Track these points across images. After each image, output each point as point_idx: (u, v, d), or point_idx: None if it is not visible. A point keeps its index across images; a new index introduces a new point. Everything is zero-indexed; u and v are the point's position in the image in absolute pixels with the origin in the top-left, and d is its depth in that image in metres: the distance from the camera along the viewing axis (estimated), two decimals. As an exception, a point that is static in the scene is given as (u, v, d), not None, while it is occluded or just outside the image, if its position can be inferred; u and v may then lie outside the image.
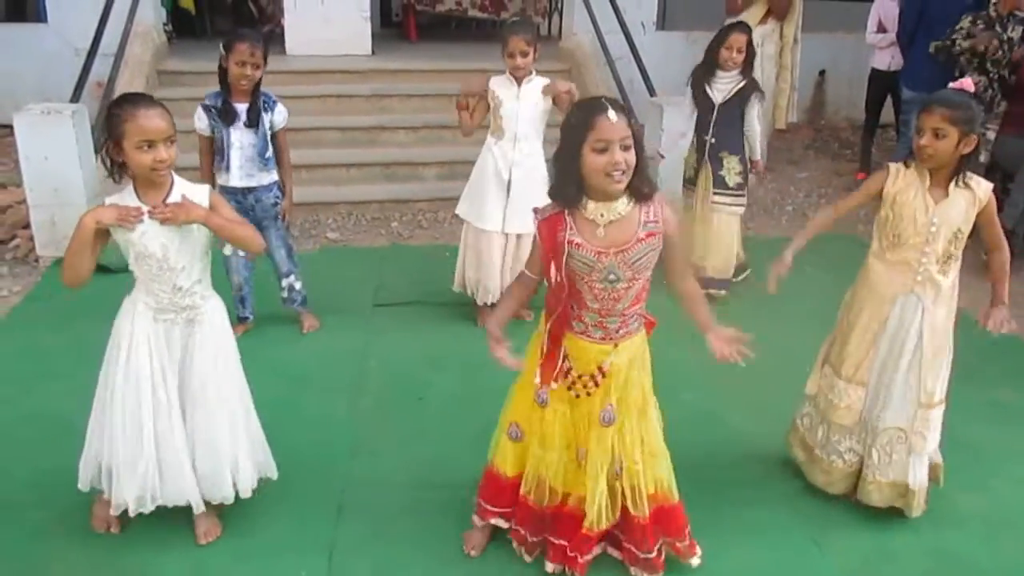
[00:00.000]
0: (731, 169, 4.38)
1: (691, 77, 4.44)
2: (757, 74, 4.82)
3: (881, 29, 6.60)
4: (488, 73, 4.04)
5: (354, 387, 3.61)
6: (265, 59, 3.61)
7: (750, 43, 4.29)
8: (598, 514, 2.40)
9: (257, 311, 4.06)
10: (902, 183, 2.62)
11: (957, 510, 2.88)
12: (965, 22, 5.47)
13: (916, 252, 2.60)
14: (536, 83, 3.93)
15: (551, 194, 2.23)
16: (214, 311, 2.53)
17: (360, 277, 4.78)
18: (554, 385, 2.34)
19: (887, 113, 6.93)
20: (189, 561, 2.55)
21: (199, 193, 2.45)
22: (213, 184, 3.53)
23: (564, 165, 2.16)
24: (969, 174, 2.57)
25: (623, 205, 2.18)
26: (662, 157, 5.17)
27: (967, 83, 2.59)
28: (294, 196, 4.00)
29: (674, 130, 5.18)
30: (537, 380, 2.38)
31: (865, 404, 2.77)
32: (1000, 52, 5.34)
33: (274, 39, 7.24)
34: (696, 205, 4.50)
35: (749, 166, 4.48)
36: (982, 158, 3.40)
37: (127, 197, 2.37)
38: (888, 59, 6.60)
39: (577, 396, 2.36)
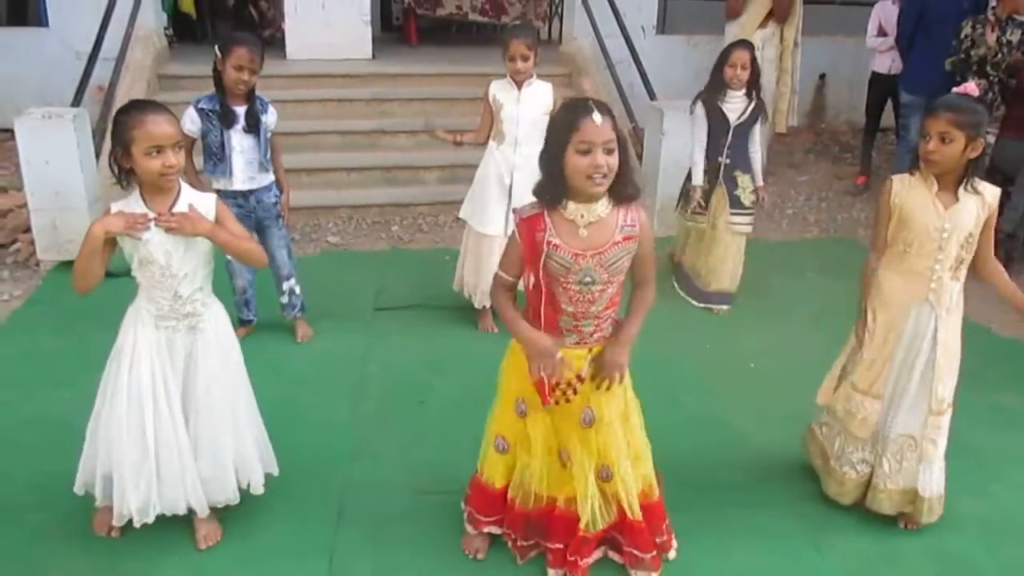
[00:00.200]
0: (745, 188, 4.37)
1: (699, 100, 4.35)
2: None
3: (881, 33, 6.61)
4: (489, 78, 4.06)
5: (355, 391, 3.61)
6: (261, 63, 3.61)
7: (754, 60, 4.26)
8: (593, 515, 2.41)
9: (259, 314, 4.06)
10: (907, 193, 2.60)
11: (959, 514, 2.87)
12: (967, 28, 5.47)
13: (929, 260, 2.58)
14: (536, 87, 3.94)
15: (535, 192, 2.25)
16: (216, 318, 2.53)
17: (361, 281, 4.78)
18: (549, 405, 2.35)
19: (887, 117, 6.93)
20: (189, 565, 2.54)
21: (206, 202, 2.46)
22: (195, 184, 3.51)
23: (548, 165, 2.18)
24: (976, 179, 2.56)
25: (603, 207, 2.19)
26: None
27: (971, 87, 2.58)
28: (291, 200, 3.99)
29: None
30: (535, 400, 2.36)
31: (881, 416, 2.75)
32: (1000, 55, 5.35)
33: (275, 43, 7.27)
34: (709, 227, 4.46)
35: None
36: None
37: (133, 203, 2.37)
38: (888, 63, 6.60)
39: (556, 403, 2.36)
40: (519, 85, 3.91)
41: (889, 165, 7.22)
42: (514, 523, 2.54)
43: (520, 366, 2.37)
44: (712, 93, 4.32)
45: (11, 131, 4.80)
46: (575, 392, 2.33)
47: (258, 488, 2.67)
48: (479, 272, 4.06)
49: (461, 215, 4.19)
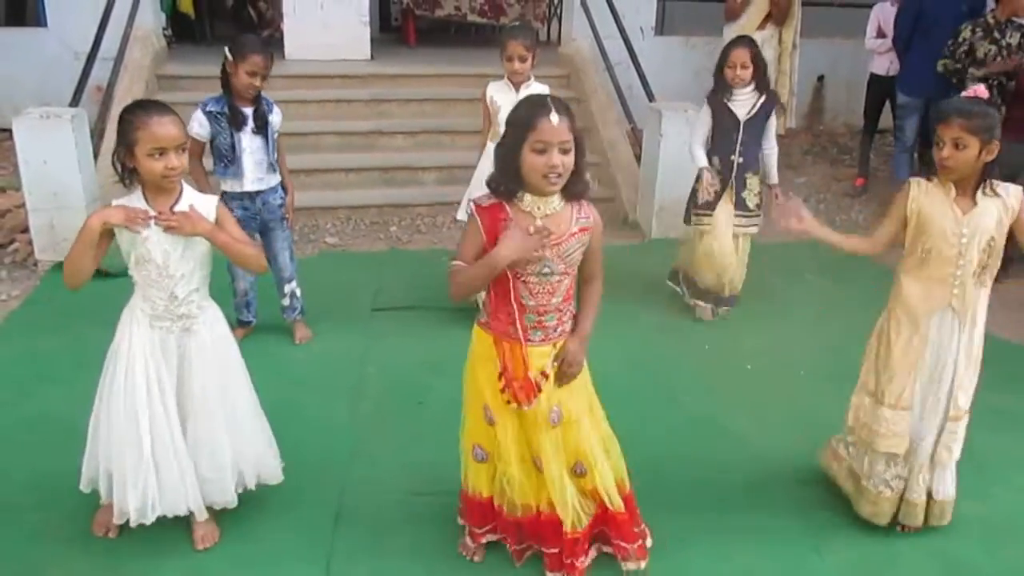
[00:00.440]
0: (752, 190, 4.27)
1: (707, 101, 4.26)
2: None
3: (880, 34, 6.61)
4: (487, 79, 4.05)
5: (353, 391, 3.60)
6: (271, 67, 3.61)
7: (756, 54, 4.13)
8: (575, 514, 2.41)
9: (257, 316, 4.05)
10: (924, 198, 2.56)
11: (960, 517, 2.86)
12: (966, 32, 5.46)
13: (950, 266, 2.54)
14: (534, 88, 3.92)
15: (489, 184, 2.26)
16: (212, 321, 2.53)
17: (359, 281, 4.78)
18: (523, 407, 2.33)
19: (886, 118, 6.93)
20: (187, 566, 2.54)
21: (207, 204, 2.45)
22: (204, 188, 3.51)
23: (503, 160, 2.20)
24: (996, 181, 2.52)
25: (557, 201, 2.23)
26: None
27: (981, 90, 2.52)
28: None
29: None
30: (513, 404, 2.34)
31: (913, 428, 2.69)
32: (999, 58, 5.35)
33: (273, 44, 7.25)
34: (717, 228, 4.27)
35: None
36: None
37: (135, 200, 2.37)
38: (887, 64, 6.61)
39: (531, 397, 2.33)
40: (517, 86, 3.90)
41: (887, 167, 7.22)
42: (507, 529, 2.55)
43: (480, 372, 2.38)
44: (717, 95, 4.22)
45: (9, 131, 4.80)
46: (539, 389, 2.31)
47: (276, 477, 2.71)
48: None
49: (459, 217, 4.18)
